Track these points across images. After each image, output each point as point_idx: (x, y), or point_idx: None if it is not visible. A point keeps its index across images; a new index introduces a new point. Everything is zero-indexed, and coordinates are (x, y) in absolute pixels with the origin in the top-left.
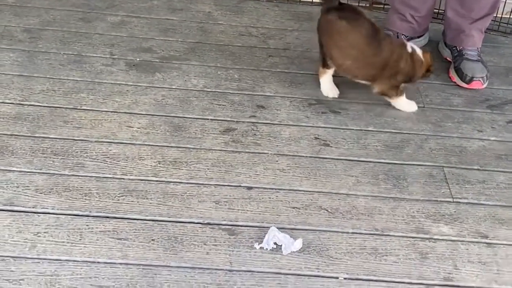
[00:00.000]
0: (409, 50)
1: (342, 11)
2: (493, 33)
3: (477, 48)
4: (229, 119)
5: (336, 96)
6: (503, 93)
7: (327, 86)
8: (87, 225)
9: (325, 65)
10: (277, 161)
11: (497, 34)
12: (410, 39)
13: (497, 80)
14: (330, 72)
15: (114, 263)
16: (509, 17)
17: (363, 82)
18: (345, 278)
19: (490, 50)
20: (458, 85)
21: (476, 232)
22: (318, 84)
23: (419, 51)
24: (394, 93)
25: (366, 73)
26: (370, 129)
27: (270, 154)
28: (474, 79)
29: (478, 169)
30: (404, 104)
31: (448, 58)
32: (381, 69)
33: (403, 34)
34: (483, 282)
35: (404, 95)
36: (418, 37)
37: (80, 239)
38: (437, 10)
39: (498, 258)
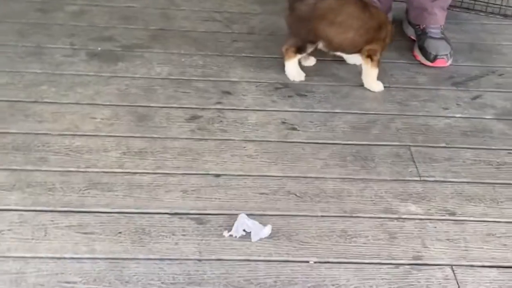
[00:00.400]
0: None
1: None
2: (456, 9)
3: (440, 26)
4: (194, 106)
5: (303, 79)
6: (467, 69)
7: (295, 70)
8: (52, 221)
9: (300, 51)
10: (244, 147)
11: (460, 11)
12: None
13: (461, 57)
14: (299, 56)
15: (81, 258)
16: None
17: (351, 54)
18: (315, 262)
19: (453, 27)
20: (422, 64)
21: (443, 210)
22: (283, 67)
23: None
24: (378, 56)
25: (365, 39)
26: (336, 111)
27: (237, 140)
28: (438, 57)
29: (444, 147)
30: (374, 80)
31: (412, 37)
32: (377, 31)
33: None
34: (452, 259)
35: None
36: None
37: (45, 235)
38: None
39: (466, 234)
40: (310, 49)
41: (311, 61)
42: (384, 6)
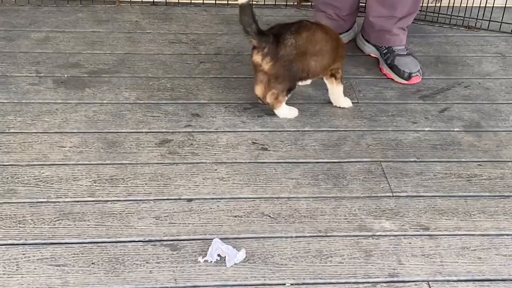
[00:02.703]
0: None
1: (286, 32)
2: (420, 22)
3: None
4: (164, 130)
5: (297, 112)
6: (434, 82)
7: (288, 110)
8: (23, 254)
9: (290, 91)
10: (216, 169)
11: (424, 24)
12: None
13: (427, 70)
14: (288, 97)
15: None
16: (435, 6)
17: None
18: (291, 284)
19: (418, 40)
20: (392, 79)
21: (417, 225)
22: (252, 87)
23: None
24: (341, 73)
25: (333, 59)
26: (306, 129)
27: (209, 163)
28: (413, 74)
29: (415, 161)
30: (342, 96)
31: (372, 55)
32: (337, 49)
33: None
34: (428, 275)
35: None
36: (347, 31)
37: (16, 270)
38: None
39: (441, 249)
40: (309, 78)
41: None
42: (347, 23)
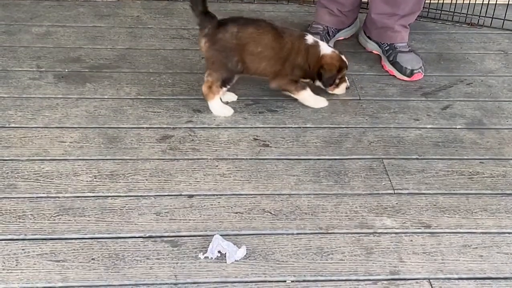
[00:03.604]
0: (308, 42)
1: (235, 22)
2: (423, 19)
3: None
4: (165, 126)
5: (232, 113)
6: (436, 79)
7: (221, 106)
8: (23, 249)
9: (226, 83)
10: (217, 166)
11: (427, 21)
12: (339, 30)
13: (430, 67)
14: (224, 90)
15: (54, 287)
16: (437, 2)
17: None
18: (292, 281)
19: (420, 37)
20: (394, 76)
21: (419, 223)
22: (253, 84)
23: (324, 47)
24: (292, 87)
25: (274, 69)
26: (308, 126)
27: (210, 159)
28: (415, 71)
29: (416, 159)
30: (309, 99)
31: (375, 52)
32: (283, 63)
33: (332, 28)
34: (429, 272)
35: (308, 89)
36: (348, 26)
37: (16, 265)
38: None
39: (442, 247)
40: (235, 79)
41: (232, 97)
42: (349, 19)
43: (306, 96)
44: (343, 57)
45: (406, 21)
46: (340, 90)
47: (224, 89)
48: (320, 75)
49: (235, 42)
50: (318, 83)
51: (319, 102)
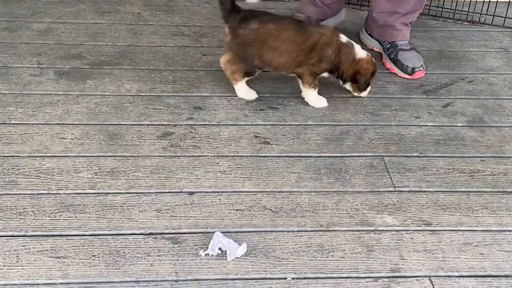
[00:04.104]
0: (342, 40)
1: (256, 16)
2: (424, 17)
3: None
4: (166, 123)
5: (256, 97)
6: (437, 77)
7: (246, 90)
8: (24, 246)
9: (248, 75)
10: (217, 163)
11: (428, 18)
12: (321, 20)
13: (431, 65)
14: (246, 79)
15: (55, 284)
16: (438, 0)
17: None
18: (293, 278)
19: (421, 34)
20: (395, 74)
21: (419, 220)
22: (254, 81)
23: (359, 50)
24: (309, 79)
25: (297, 60)
26: (309, 123)
27: (210, 156)
28: (416, 69)
29: (417, 156)
30: (313, 98)
31: (376, 49)
32: (308, 53)
33: (316, 18)
34: (430, 270)
35: (316, 90)
36: (331, 16)
37: (17, 261)
38: None
39: (443, 244)
40: (257, 73)
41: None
42: (333, 11)
43: (312, 94)
44: (373, 60)
45: (407, 19)
46: (366, 93)
47: (246, 78)
48: (355, 79)
49: (254, 38)
50: (347, 85)
51: (321, 102)
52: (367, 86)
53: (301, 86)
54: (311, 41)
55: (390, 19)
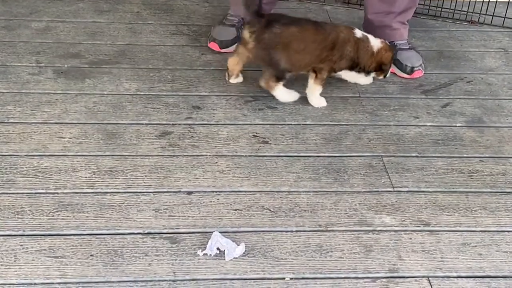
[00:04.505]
0: (357, 35)
1: (277, 20)
2: (423, 17)
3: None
4: (164, 122)
5: (298, 97)
6: (436, 77)
7: (286, 93)
8: (21, 245)
9: (280, 79)
10: (216, 162)
11: (427, 18)
12: None
13: (430, 65)
14: (282, 83)
15: (52, 283)
16: (438, 0)
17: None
18: (291, 278)
19: (421, 34)
20: (394, 73)
21: (418, 221)
22: (253, 80)
23: (374, 41)
24: (323, 75)
25: (320, 57)
26: (308, 123)
27: (209, 156)
28: (415, 68)
29: (416, 156)
30: (316, 96)
31: None
32: (331, 49)
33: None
34: (428, 271)
35: (321, 90)
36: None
37: (14, 261)
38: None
39: (441, 245)
40: (288, 75)
41: (239, 79)
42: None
43: (316, 92)
44: (387, 43)
45: (403, 17)
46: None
47: (282, 82)
48: (380, 69)
49: (278, 41)
50: (370, 75)
51: (321, 102)
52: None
53: (310, 81)
54: (331, 38)
55: (386, 19)
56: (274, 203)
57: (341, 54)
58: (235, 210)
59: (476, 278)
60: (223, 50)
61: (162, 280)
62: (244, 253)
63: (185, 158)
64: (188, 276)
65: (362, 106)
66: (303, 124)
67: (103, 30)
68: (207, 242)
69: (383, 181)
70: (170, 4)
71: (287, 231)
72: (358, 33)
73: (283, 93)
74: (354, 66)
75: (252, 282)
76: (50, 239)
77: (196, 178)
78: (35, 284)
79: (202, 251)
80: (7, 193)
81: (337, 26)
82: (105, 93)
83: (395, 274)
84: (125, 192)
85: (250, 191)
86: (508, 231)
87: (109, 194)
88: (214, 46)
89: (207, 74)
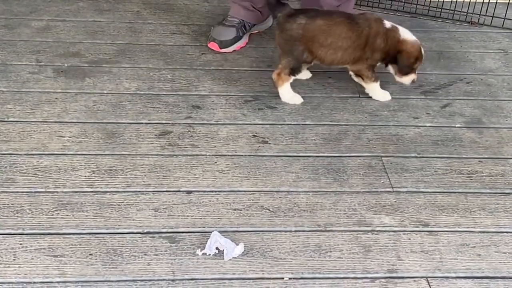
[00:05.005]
0: (387, 26)
1: (305, 13)
2: (423, 17)
3: None
4: (164, 121)
5: (301, 101)
6: (436, 78)
7: (291, 94)
8: (21, 244)
9: (294, 72)
10: (215, 162)
11: (427, 19)
12: (254, 24)
13: (430, 65)
14: (292, 79)
15: (51, 282)
16: (438, 1)
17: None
18: (290, 278)
19: (421, 35)
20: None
21: (417, 221)
22: (253, 80)
23: (404, 32)
24: (369, 74)
25: (353, 56)
26: (307, 123)
27: (208, 155)
28: None
29: (415, 157)
30: (378, 91)
31: None
32: (363, 49)
33: (249, 22)
34: (427, 271)
35: (379, 82)
36: (264, 20)
37: (14, 259)
38: None
39: (440, 245)
40: (304, 69)
41: (306, 74)
42: (264, 15)
43: (376, 87)
44: (422, 48)
45: (344, 7)
46: (407, 79)
47: (293, 78)
48: (395, 58)
49: (301, 33)
50: (389, 67)
51: (385, 95)
52: (410, 71)
53: (363, 83)
54: (364, 35)
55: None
56: (273, 203)
57: (372, 49)
58: (234, 209)
59: (475, 279)
60: (222, 50)
61: (161, 280)
62: (243, 252)
63: (185, 158)
64: (187, 276)
65: (361, 107)
66: (302, 124)
67: (103, 29)
68: (206, 241)
69: (382, 181)
70: (170, 3)
71: (286, 231)
72: (387, 24)
73: (288, 92)
74: (387, 57)
75: (251, 282)
76: (49, 238)
77: (195, 177)
78: (34, 283)
79: (201, 251)
80: (6, 192)
81: (367, 18)
82: (105, 92)
83: (394, 275)
84: (124, 192)
85: (250, 191)
86: (507, 232)
87: (108, 193)
88: (213, 46)
89: (207, 73)
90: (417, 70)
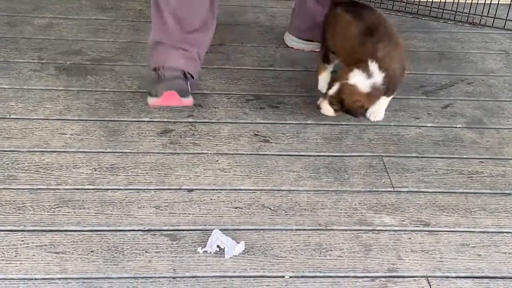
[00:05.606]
0: None
1: (350, 5)
2: (425, 18)
3: None
4: (166, 120)
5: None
6: (437, 78)
7: (323, 82)
8: (22, 240)
9: (326, 60)
10: (217, 160)
11: (429, 19)
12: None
13: (431, 66)
14: (330, 68)
15: (53, 279)
16: (439, 1)
17: None
18: (290, 277)
19: (422, 35)
20: None
21: (417, 221)
22: (254, 79)
23: None
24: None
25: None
26: (309, 122)
27: (210, 154)
28: None
29: (416, 157)
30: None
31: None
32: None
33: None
34: (427, 271)
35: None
36: None
37: (15, 256)
38: None
39: (441, 245)
40: (332, 59)
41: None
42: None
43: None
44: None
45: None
46: None
47: (327, 67)
48: None
49: (329, 22)
50: None
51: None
52: None
53: None
54: (373, 40)
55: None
56: (275, 202)
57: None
58: (236, 208)
59: (475, 279)
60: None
61: (162, 277)
62: (244, 251)
63: (186, 156)
64: (188, 273)
65: None
66: (304, 123)
67: (105, 27)
68: (207, 239)
69: (383, 181)
70: None
71: (287, 230)
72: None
73: (321, 80)
74: None
75: (251, 280)
76: (51, 235)
77: (197, 175)
78: (35, 279)
79: (202, 249)
80: (8, 189)
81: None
82: (107, 90)
83: (394, 274)
84: (126, 189)
85: (251, 190)
86: (507, 232)
87: (110, 190)
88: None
89: (209, 72)
90: None
